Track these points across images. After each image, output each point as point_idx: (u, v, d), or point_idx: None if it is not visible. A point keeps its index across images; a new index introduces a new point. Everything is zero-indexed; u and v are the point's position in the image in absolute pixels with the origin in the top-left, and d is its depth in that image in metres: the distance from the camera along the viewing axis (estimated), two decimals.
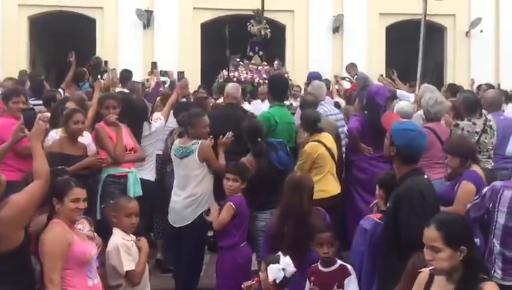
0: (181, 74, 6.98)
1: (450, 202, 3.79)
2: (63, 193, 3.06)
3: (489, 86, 7.88)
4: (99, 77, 7.30)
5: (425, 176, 3.15)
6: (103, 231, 3.63)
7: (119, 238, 3.44)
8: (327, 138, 4.93)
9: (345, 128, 5.44)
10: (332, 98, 7.67)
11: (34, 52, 15.12)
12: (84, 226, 3.36)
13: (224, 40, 11.76)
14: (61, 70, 10.72)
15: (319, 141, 4.88)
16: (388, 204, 3.11)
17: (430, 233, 2.30)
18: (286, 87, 5.54)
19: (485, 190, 3.34)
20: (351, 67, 10.23)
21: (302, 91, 7.91)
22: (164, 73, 8.54)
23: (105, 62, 7.89)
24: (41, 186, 2.85)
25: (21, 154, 4.30)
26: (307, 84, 7.09)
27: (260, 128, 4.64)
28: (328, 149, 4.91)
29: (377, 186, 3.61)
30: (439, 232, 2.28)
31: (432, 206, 2.89)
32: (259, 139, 4.54)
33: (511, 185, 3.20)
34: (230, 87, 5.95)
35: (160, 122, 5.14)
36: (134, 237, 3.53)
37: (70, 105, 5.10)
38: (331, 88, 8.33)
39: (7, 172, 3.79)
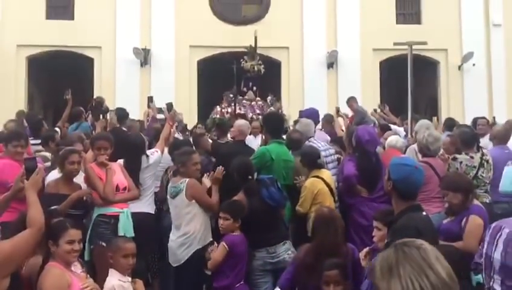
0: (169, 105, 7.01)
1: (457, 236, 3.78)
2: (58, 235, 3.04)
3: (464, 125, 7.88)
4: (100, 116, 7.36)
5: (424, 213, 3.12)
6: (91, 273, 3.57)
7: (115, 280, 3.38)
8: (326, 174, 4.93)
9: (336, 163, 5.41)
10: (335, 132, 7.68)
11: (32, 92, 15.26)
12: (76, 268, 3.30)
13: (220, 76, 11.92)
14: (58, 109, 10.78)
15: (318, 177, 4.88)
16: (386, 241, 3.06)
17: None
18: (281, 124, 5.54)
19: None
20: (352, 100, 10.33)
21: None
22: (160, 110, 8.61)
23: (108, 109, 8.03)
24: (33, 234, 2.77)
25: (19, 196, 4.28)
26: (295, 122, 7.10)
27: (250, 166, 4.63)
28: (328, 185, 4.90)
29: (381, 225, 3.47)
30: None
31: (430, 243, 2.86)
32: (250, 177, 4.52)
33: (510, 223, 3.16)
34: (242, 124, 5.98)
35: (157, 154, 5.17)
36: (130, 279, 3.47)
37: (76, 146, 5.18)
38: (333, 122, 8.37)
39: (6, 213, 3.90)
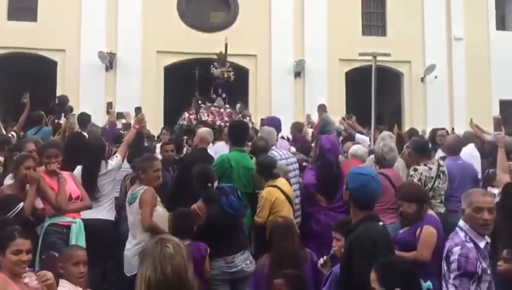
0: (138, 110, 6.87)
1: (411, 246, 3.85)
2: (5, 245, 2.93)
3: (413, 132, 8.10)
4: (63, 115, 7.14)
5: (381, 223, 3.16)
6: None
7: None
8: (283, 183, 4.94)
9: (297, 172, 5.44)
10: (307, 140, 7.72)
11: None
12: (31, 279, 3.19)
13: (187, 83, 11.85)
14: (20, 113, 10.50)
15: (275, 186, 4.89)
16: (343, 250, 3.08)
17: (371, 275, 2.46)
18: (246, 133, 5.53)
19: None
20: (320, 108, 10.48)
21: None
22: (120, 115, 8.45)
23: (71, 108, 7.77)
24: None
25: None
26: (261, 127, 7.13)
27: (210, 173, 4.59)
28: (285, 194, 4.91)
29: (339, 235, 3.52)
30: (375, 274, 2.43)
31: (386, 253, 2.90)
32: (210, 185, 4.48)
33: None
34: (204, 131, 5.93)
35: (116, 159, 5.04)
36: (81, 289, 3.36)
37: (29, 147, 4.99)
38: (303, 130, 8.43)
39: None
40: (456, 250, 2.97)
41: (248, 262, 4.36)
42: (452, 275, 2.93)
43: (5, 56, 14.41)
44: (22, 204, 4.11)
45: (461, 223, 3.14)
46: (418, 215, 3.87)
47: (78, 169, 4.92)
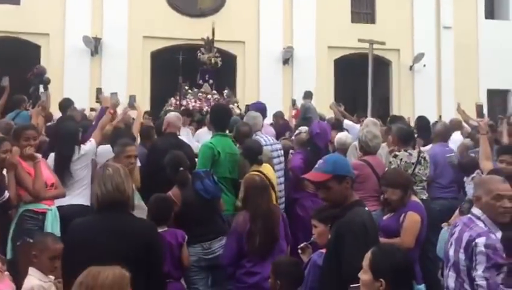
0: (132, 98, 6.57)
1: (395, 233, 3.81)
2: None
3: (398, 118, 8.01)
4: (41, 86, 6.90)
5: (367, 208, 3.10)
6: (14, 272, 3.33)
7: (35, 280, 3.13)
8: (268, 169, 4.86)
9: (282, 159, 5.36)
10: (290, 124, 7.65)
11: None
12: None
13: (174, 68, 11.68)
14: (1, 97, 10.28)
15: (259, 172, 4.80)
16: (329, 236, 3.00)
17: (367, 253, 2.40)
18: (228, 117, 5.38)
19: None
20: (305, 95, 10.41)
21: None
22: (99, 91, 8.16)
23: (49, 80, 7.51)
24: None
25: None
26: (245, 113, 7.04)
27: (182, 158, 4.49)
28: (269, 180, 4.83)
29: (317, 222, 3.43)
30: (370, 255, 2.37)
31: (374, 238, 2.84)
32: (182, 169, 4.38)
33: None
34: (172, 116, 5.82)
35: (89, 144, 4.88)
36: (53, 278, 3.25)
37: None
38: (287, 115, 8.38)
39: None
40: (481, 241, 2.81)
41: None
42: (480, 268, 2.78)
43: None
44: (7, 194, 3.95)
45: (477, 211, 2.98)
46: (402, 202, 3.82)
47: (51, 156, 4.79)
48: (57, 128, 4.93)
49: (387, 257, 2.35)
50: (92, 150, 4.87)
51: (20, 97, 7.50)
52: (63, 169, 4.65)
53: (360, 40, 10.55)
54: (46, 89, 6.93)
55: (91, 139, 4.97)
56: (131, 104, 6.43)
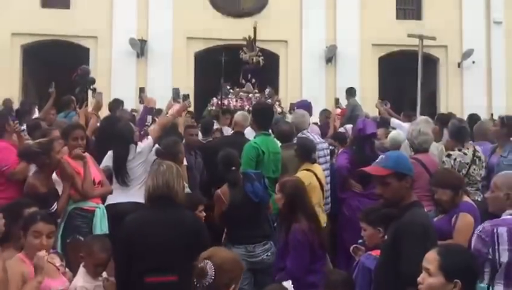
0: (176, 90, 6.48)
1: (447, 234, 3.66)
2: (26, 226, 2.88)
3: (446, 116, 7.55)
4: (88, 87, 7.02)
5: (425, 209, 3.01)
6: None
7: (80, 281, 3.19)
8: (318, 169, 4.79)
9: (328, 158, 5.27)
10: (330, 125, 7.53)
11: (27, 81, 15.09)
12: (55, 261, 3.15)
13: (217, 68, 11.76)
14: (54, 99, 10.64)
15: (310, 171, 4.74)
16: (386, 238, 2.89)
17: (430, 255, 2.27)
18: (270, 116, 5.32)
19: (477, 232, 3.12)
20: (348, 92, 10.21)
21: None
22: (142, 90, 8.16)
23: (94, 89, 7.69)
24: None
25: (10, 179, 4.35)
26: (290, 112, 6.95)
27: (235, 157, 4.44)
28: (319, 180, 4.76)
29: (365, 224, 3.32)
30: (438, 256, 2.24)
31: (433, 240, 2.75)
32: (234, 168, 4.34)
33: (502, 222, 3.03)
34: (239, 115, 5.82)
35: (146, 141, 4.94)
36: (103, 276, 3.27)
37: (55, 134, 4.97)
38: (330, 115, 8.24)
39: None
40: None
41: (269, 253, 4.21)
42: None
43: (39, 43, 14.66)
44: (55, 206, 4.04)
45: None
46: (453, 202, 3.68)
47: (109, 155, 4.90)
48: (112, 128, 5.00)
49: (460, 257, 2.27)
50: (147, 147, 4.92)
51: (69, 98, 7.73)
52: (120, 168, 4.74)
53: (409, 35, 10.26)
54: (89, 89, 7.05)
55: (148, 136, 5.04)
56: (176, 98, 6.31)
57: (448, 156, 4.79)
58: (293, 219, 3.66)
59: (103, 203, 4.56)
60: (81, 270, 3.26)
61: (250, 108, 9.20)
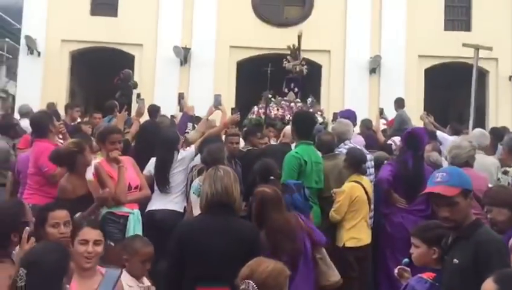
0: (218, 97, 6.30)
1: None
2: (73, 234, 2.80)
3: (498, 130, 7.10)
4: (130, 92, 7.02)
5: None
6: None
7: (120, 284, 3.06)
8: (366, 182, 4.62)
9: (372, 170, 5.06)
10: (376, 136, 7.32)
11: (74, 86, 15.52)
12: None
13: (259, 78, 11.72)
14: (98, 104, 10.85)
15: (358, 183, 4.57)
16: (456, 260, 2.58)
17: (487, 284, 2.06)
18: (312, 125, 5.13)
19: None
20: (396, 103, 9.87)
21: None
22: (181, 95, 8.11)
23: (138, 94, 7.77)
24: None
25: (51, 182, 4.43)
26: (333, 122, 6.75)
27: (273, 166, 4.27)
28: (367, 193, 4.58)
29: (419, 242, 2.99)
30: (495, 285, 2.04)
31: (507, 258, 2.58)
32: (272, 178, 4.13)
33: None
34: (288, 128, 5.71)
35: (189, 149, 4.93)
36: (145, 284, 3.22)
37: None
38: (374, 126, 8.02)
39: (39, 197, 4.32)
40: None
41: None
42: None
43: (87, 50, 15.06)
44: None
45: None
46: (510, 223, 3.41)
47: (152, 161, 4.87)
48: (155, 134, 5.00)
49: None
50: (190, 155, 4.90)
51: (112, 103, 7.84)
52: (162, 174, 4.73)
53: (464, 45, 9.85)
54: (131, 93, 7.09)
55: (192, 145, 5.01)
56: (217, 105, 6.15)
57: (505, 172, 4.49)
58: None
59: (142, 209, 4.53)
60: (124, 274, 3.19)
61: (291, 117, 9.12)
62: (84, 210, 3.80)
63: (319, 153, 4.91)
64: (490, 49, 9.48)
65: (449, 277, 2.66)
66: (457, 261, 2.59)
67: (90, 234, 2.81)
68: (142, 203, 4.57)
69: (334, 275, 3.83)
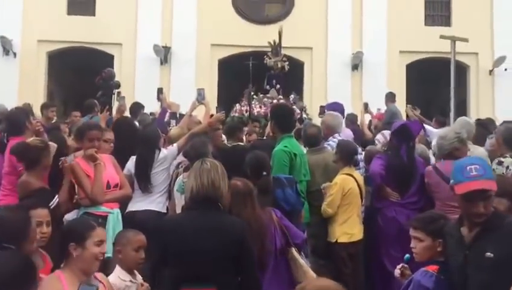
0: (201, 91, 6.06)
1: None
2: (84, 236, 2.55)
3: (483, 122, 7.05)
4: (115, 91, 6.86)
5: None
6: None
7: (115, 278, 2.99)
8: (358, 174, 4.51)
9: (362, 164, 4.95)
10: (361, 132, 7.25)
11: (52, 87, 15.18)
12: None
13: (241, 75, 11.59)
14: (78, 105, 10.60)
15: (350, 175, 4.46)
16: (490, 253, 2.44)
17: None
18: (292, 116, 4.90)
19: None
20: (387, 97, 9.83)
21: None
22: (160, 91, 7.89)
23: (118, 93, 7.53)
24: None
25: None
26: (320, 116, 6.64)
27: (265, 160, 4.01)
28: (359, 186, 4.48)
29: (423, 235, 2.81)
30: None
31: None
32: (265, 173, 3.87)
33: None
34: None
35: (171, 148, 4.75)
36: (139, 279, 3.07)
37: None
38: (358, 120, 7.94)
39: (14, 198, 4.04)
40: None
41: None
42: None
43: (65, 50, 14.74)
44: (55, 200, 3.82)
45: None
46: (509, 212, 3.32)
47: (132, 159, 4.70)
48: (138, 133, 4.83)
49: None
50: (171, 155, 4.71)
51: (92, 102, 7.60)
52: (143, 173, 4.56)
53: (441, 37, 9.88)
54: (113, 93, 6.89)
55: (174, 144, 4.83)
56: (200, 99, 5.93)
57: (499, 163, 4.38)
58: None
59: (122, 210, 4.35)
60: (116, 268, 3.07)
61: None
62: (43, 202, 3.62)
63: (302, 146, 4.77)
64: (466, 40, 9.52)
65: (483, 272, 2.47)
66: (491, 254, 2.44)
67: (104, 235, 2.72)
68: (123, 203, 4.40)
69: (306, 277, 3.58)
